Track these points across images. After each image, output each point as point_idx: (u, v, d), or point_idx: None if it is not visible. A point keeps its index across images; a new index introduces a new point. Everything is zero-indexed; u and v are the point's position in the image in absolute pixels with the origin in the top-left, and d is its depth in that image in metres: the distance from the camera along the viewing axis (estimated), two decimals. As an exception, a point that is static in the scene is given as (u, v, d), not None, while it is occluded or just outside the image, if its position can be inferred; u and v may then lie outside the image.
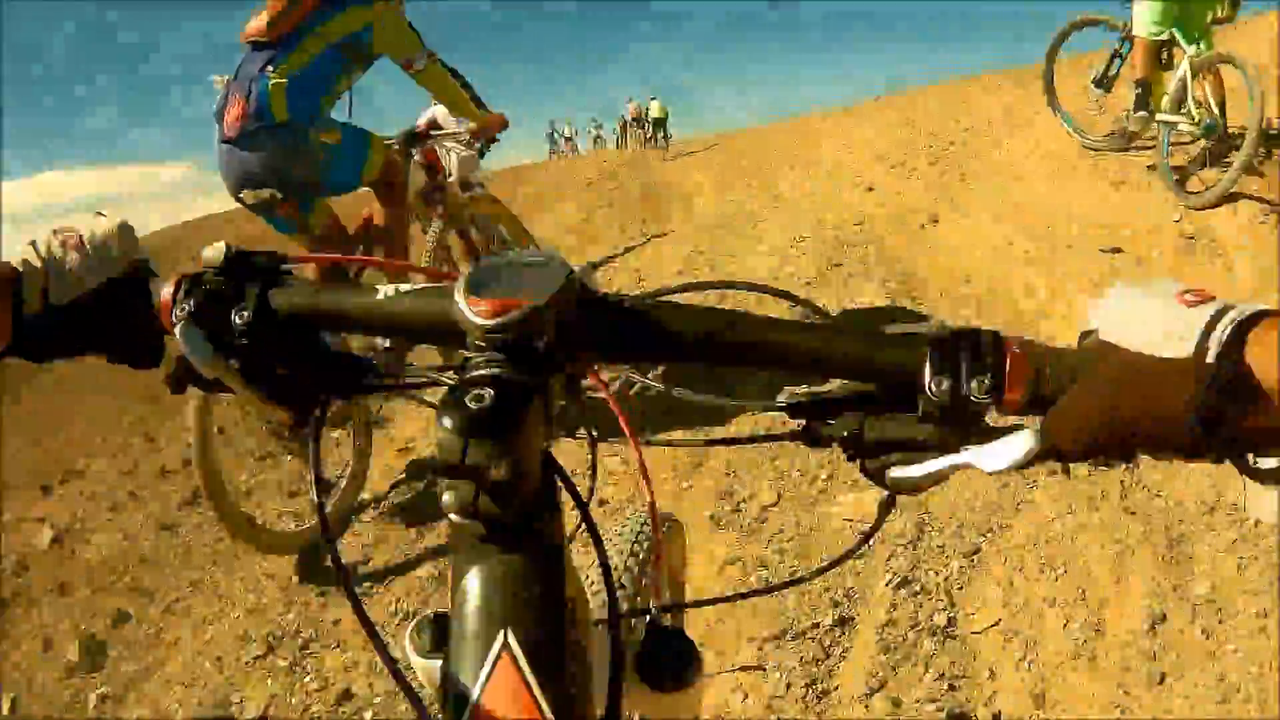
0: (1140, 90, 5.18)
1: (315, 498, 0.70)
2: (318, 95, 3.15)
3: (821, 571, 0.75)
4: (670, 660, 0.73)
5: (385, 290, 0.66)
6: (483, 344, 0.57)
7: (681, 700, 0.76)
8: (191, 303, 0.65)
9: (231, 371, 0.65)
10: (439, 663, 0.60)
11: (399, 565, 2.82)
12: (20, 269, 0.65)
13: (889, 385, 0.60)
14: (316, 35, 3.11)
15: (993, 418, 0.56)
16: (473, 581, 0.55)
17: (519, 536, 0.55)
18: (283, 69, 3.04)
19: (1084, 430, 0.52)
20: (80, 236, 0.68)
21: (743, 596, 0.82)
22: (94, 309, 0.67)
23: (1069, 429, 0.52)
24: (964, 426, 0.56)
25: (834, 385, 0.64)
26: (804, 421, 0.65)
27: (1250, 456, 0.50)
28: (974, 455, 0.55)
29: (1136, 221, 4.44)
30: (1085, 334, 0.55)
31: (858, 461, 0.62)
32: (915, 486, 0.59)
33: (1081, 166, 5.40)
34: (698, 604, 0.83)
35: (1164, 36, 5.01)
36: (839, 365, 0.60)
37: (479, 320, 0.56)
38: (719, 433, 2.98)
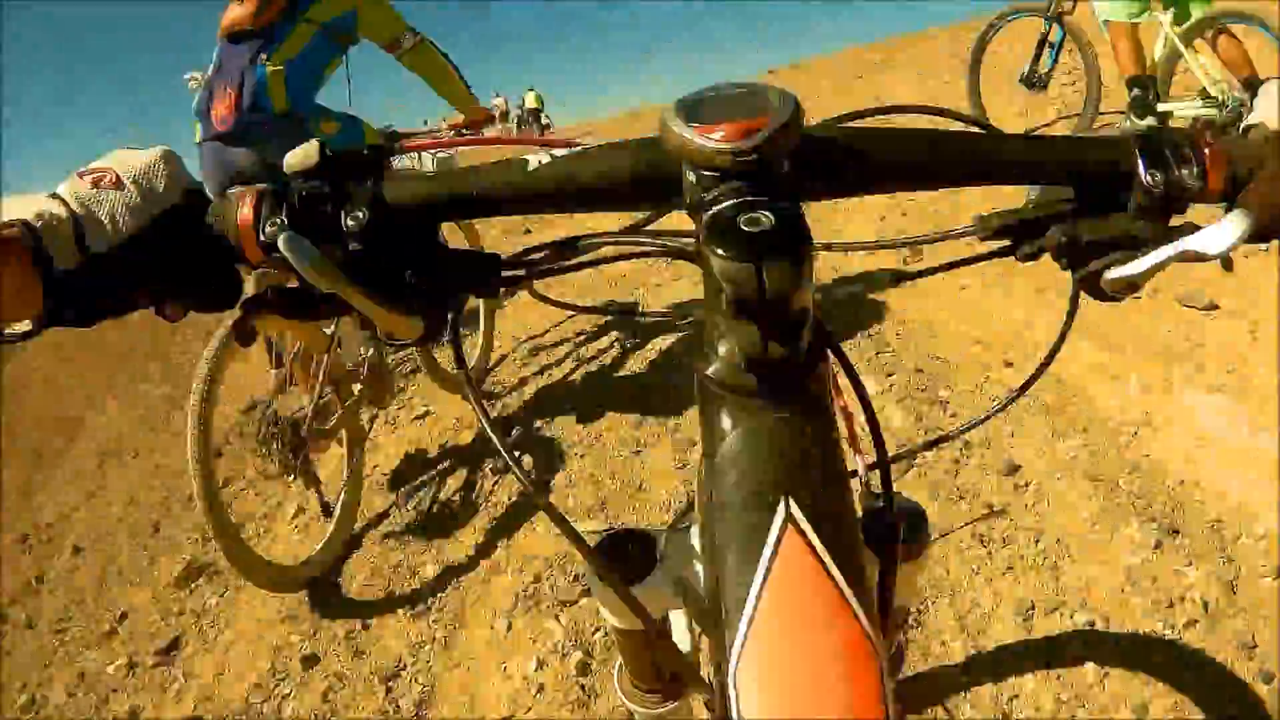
0: (1138, 91, 4.23)
1: (464, 380, 0.62)
2: (313, 83, 3.06)
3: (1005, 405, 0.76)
4: (910, 528, 0.74)
5: (538, 158, 0.60)
6: (719, 174, 0.53)
7: (914, 570, 0.77)
8: (285, 214, 0.59)
9: (347, 281, 0.57)
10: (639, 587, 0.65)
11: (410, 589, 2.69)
12: (36, 223, 0.55)
13: (1092, 189, 0.61)
14: (306, 21, 2.99)
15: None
16: (744, 444, 0.51)
17: (798, 390, 0.53)
18: (278, 57, 2.93)
19: (1277, 209, 0.57)
20: (116, 174, 0.59)
21: (929, 446, 0.83)
22: (147, 251, 0.58)
23: (1267, 207, 0.57)
24: (1177, 215, 0.60)
25: (1026, 203, 0.65)
26: (1008, 242, 0.65)
27: None
28: (1193, 242, 0.56)
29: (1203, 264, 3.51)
30: (1248, 127, 0.62)
31: (1070, 271, 0.63)
32: (1133, 285, 0.60)
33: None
34: (897, 458, 0.74)
35: (1144, 16, 4.12)
36: (1048, 170, 0.61)
37: (720, 145, 0.52)
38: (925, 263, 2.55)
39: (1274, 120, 0.60)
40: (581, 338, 4.30)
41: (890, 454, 0.63)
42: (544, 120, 23.56)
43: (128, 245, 0.57)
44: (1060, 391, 2.86)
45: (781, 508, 0.48)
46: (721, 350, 0.52)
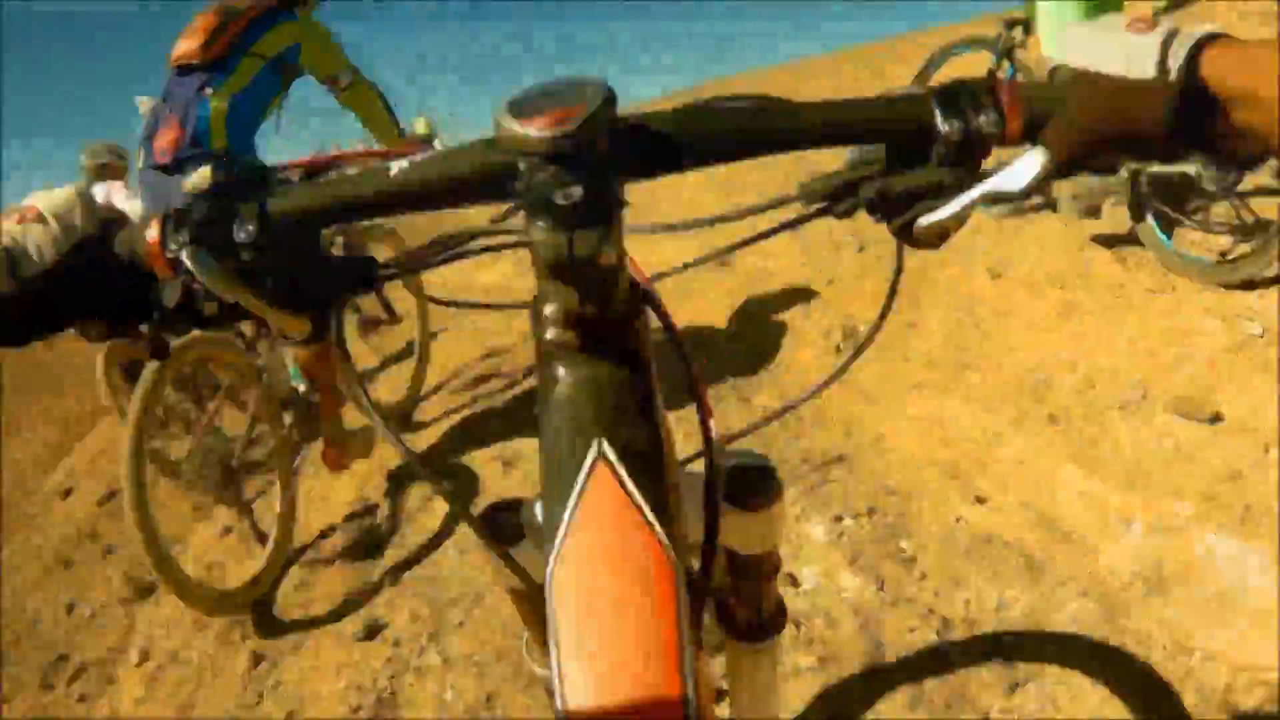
0: None
1: (362, 403, 0.70)
2: (255, 118, 3.11)
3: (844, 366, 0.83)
4: (754, 481, 0.78)
5: (398, 164, 0.66)
6: (540, 160, 0.58)
7: (765, 520, 0.80)
8: (186, 232, 0.65)
9: (243, 287, 0.65)
10: (524, 549, 0.71)
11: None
12: None
13: (899, 145, 0.66)
14: (251, 55, 3.04)
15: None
16: (567, 392, 0.58)
17: (616, 343, 0.60)
18: (224, 90, 2.97)
19: (1077, 144, 0.61)
20: (38, 210, 0.68)
21: (781, 414, 0.91)
22: (68, 275, 0.66)
23: (1065, 144, 0.61)
24: (977, 161, 0.64)
25: (840, 166, 0.69)
26: (826, 203, 0.70)
27: (1222, 142, 0.58)
28: (995, 182, 0.62)
29: (1194, 353, 2.93)
30: (1053, 70, 0.65)
31: (885, 223, 0.68)
32: (944, 231, 0.65)
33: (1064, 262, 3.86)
34: (756, 426, 0.89)
35: None
36: (857, 131, 0.65)
37: (539, 134, 0.57)
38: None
39: (1076, 62, 0.63)
40: (510, 369, 4.43)
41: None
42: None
43: (52, 272, 0.66)
44: (1047, 536, 2.32)
45: (594, 446, 0.55)
46: (548, 312, 0.59)
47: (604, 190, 0.57)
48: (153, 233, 0.66)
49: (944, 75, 4.97)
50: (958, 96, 0.63)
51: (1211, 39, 0.58)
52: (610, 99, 0.59)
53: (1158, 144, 0.59)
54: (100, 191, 4.23)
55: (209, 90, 2.94)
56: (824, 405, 3.23)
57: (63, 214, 0.68)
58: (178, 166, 2.91)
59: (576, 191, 0.56)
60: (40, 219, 0.67)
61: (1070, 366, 3.10)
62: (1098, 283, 3.58)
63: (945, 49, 4.97)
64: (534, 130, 0.57)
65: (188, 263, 0.63)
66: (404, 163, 0.66)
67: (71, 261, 0.66)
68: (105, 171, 4.76)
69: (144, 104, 3.12)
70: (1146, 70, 0.58)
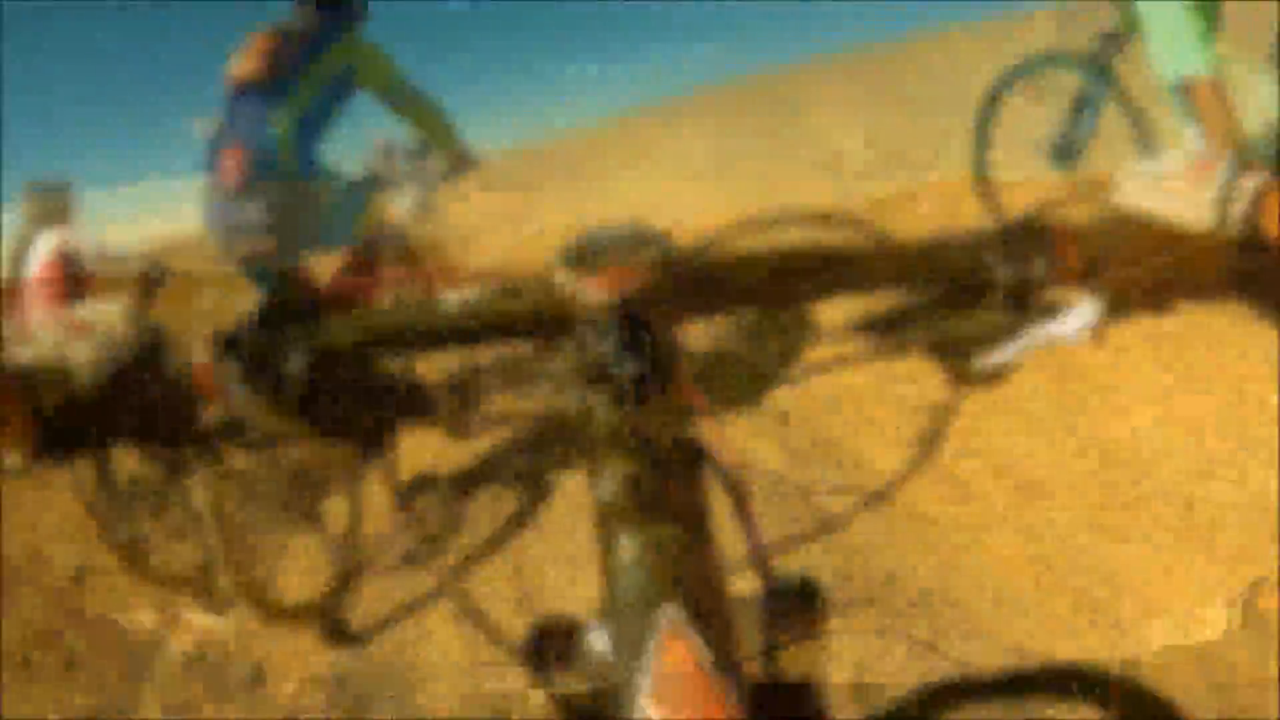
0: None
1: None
2: (317, 138, 3.09)
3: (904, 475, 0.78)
4: (803, 608, 0.74)
5: (450, 297, 0.66)
6: (600, 319, 0.60)
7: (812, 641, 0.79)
8: (235, 360, 0.65)
9: (292, 420, 0.65)
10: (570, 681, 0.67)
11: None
12: (33, 364, 0.64)
13: (955, 286, 0.66)
14: (310, 76, 3.03)
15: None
16: (630, 557, 0.57)
17: (677, 503, 0.59)
18: (286, 113, 2.96)
19: (1134, 292, 0.62)
20: (80, 320, 0.67)
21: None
22: (115, 393, 0.66)
23: (1120, 285, 0.62)
24: (1033, 306, 0.64)
25: (894, 300, 0.70)
26: (881, 342, 0.71)
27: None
28: (1051, 329, 0.63)
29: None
30: (1107, 210, 0.66)
31: (940, 362, 0.69)
32: (998, 373, 0.66)
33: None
34: (799, 540, 0.85)
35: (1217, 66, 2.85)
36: (916, 273, 0.67)
37: (597, 294, 0.59)
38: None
39: (1133, 204, 0.64)
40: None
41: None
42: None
43: (100, 388, 0.64)
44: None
45: (663, 613, 0.53)
46: (606, 476, 0.58)
47: (667, 360, 0.59)
48: (200, 354, 0.66)
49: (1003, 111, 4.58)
50: (1015, 240, 0.64)
51: (1273, 186, 0.59)
52: (669, 253, 0.62)
53: (1215, 294, 0.61)
54: (45, 240, 3.86)
55: (272, 115, 2.95)
56: (873, 551, 2.67)
57: (110, 329, 0.66)
58: (247, 193, 2.94)
59: (639, 365, 0.57)
60: (89, 333, 0.66)
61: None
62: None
63: (1024, 65, 4.18)
64: (592, 290, 0.59)
65: (232, 398, 0.64)
66: (455, 297, 0.66)
67: (120, 378, 0.65)
68: (51, 217, 4.17)
69: (203, 125, 3.11)
70: (1204, 219, 0.60)
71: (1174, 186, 0.62)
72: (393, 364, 0.72)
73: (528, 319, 0.65)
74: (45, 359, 0.63)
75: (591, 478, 0.61)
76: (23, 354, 0.63)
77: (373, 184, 3.23)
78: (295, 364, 0.64)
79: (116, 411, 0.65)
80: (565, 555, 2.89)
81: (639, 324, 0.59)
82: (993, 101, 4.27)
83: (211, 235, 3.12)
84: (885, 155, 7.05)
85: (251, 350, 0.64)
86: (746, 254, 0.66)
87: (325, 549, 2.85)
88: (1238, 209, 0.59)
